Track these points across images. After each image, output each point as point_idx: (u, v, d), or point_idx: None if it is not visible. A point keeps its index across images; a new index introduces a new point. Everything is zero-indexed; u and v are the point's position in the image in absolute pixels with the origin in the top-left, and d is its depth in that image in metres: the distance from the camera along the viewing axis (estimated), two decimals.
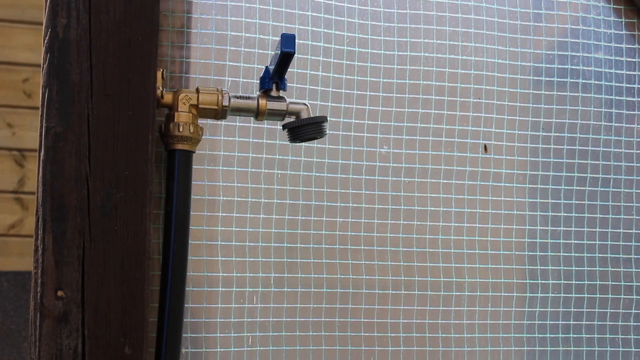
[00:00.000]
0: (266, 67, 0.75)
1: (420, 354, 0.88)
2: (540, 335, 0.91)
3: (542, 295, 0.92)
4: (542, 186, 0.93)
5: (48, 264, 0.69)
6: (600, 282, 0.93)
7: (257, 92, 0.75)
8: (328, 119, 0.83)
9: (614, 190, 0.95)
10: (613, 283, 0.94)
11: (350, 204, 0.87)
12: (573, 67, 0.95)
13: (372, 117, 0.89)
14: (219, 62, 0.84)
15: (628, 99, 0.96)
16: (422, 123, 0.90)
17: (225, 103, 0.74)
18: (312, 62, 0.87)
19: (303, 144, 0.85)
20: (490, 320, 0.90)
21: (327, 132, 0.81)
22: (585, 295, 0.93)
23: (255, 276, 0.84)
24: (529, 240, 0.92)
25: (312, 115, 0.75)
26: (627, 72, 0.96)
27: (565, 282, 0.93)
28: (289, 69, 0.74)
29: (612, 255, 0.94)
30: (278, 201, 0.85)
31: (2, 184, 2.21)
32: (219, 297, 0.83)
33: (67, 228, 0.68)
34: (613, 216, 0.94)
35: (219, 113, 0.75)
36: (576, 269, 0.93)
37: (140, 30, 0.72)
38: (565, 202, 0.93)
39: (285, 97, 0.75)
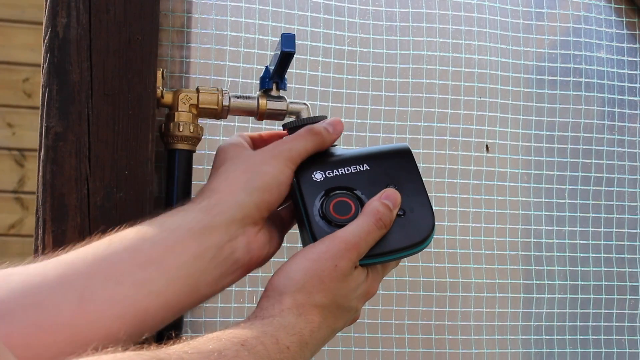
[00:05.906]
0: (266, 66, 0.75)
1: (426, 356, 0.87)
2: (547, 337, 0.91)
3: (548, 296, 0.91)
4: (546, 186, 0.92)
5: None
6: (606, 283, 0.93)
7: (257, 92, 0.75)
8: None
9: (618, 189, 0.94)
10: (618, 283, 0.93)
11: None
12: (575, 65, 0.94)
13: (374, 117, 0.88)
14: (219, 62, 0.84)
15: (630, 98, 0.96)
16: (425, 122, 0.90)
17: (226, 103, 0.74)
18: (312, 62, 0.87)
19: None
20: (497, 322, 0.90)
21: None
22: (592, 295, 0.92)
23: (255, 275, 0.83)
24: (535, 240, 0.92)
25: (312, 115, 0.75)
26: (629, 72, 0.96)
27: (571, 282, 0.92)
28: (289, 70, 0.73)
29: (617, 255, 0.93)
30: None
31: (2, 184, 2.20)
32: (218, 297, 0.82)
33: (67, 228, 0.68)
34: (617, 216, 0.94)
35: (219, 113, 0.74)
36: (582, 269, 0.92)
37: (140, 30, 0.72)
38: (570, 201, 0.93)
39: (285, 97, 0.75)
